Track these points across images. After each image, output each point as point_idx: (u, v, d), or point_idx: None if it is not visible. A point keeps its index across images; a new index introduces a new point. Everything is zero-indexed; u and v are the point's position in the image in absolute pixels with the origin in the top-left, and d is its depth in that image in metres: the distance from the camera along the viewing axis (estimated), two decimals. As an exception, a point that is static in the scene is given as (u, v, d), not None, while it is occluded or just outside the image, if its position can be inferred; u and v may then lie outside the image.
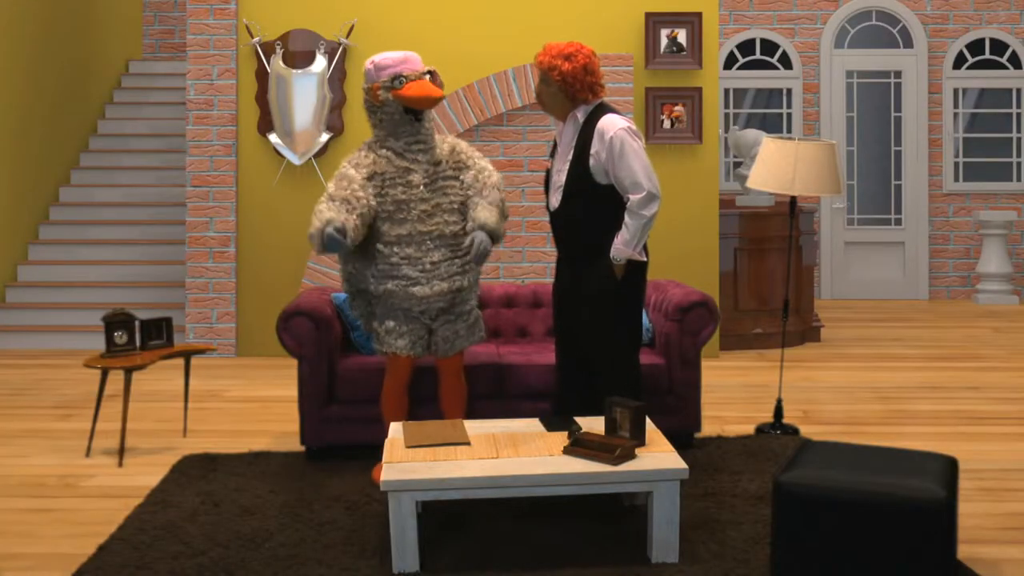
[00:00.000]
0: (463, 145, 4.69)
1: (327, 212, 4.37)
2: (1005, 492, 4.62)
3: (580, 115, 4.42)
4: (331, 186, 4.50)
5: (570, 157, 4.41)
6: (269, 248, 8.05)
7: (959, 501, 4.49)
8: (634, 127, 4.37)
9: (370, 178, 4.50)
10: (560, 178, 4.44)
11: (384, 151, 4.55)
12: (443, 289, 4.54)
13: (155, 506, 4.35)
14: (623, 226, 4.34)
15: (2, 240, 8.79)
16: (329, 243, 4.35)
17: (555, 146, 4.58)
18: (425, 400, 5.04)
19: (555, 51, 4.37)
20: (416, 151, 4.55)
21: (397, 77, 4.45)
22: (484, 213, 4.52)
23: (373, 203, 4.50)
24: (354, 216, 4.41)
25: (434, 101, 4.43)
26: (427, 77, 4.51)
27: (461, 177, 4.63)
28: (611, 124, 4.33)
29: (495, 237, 4.54)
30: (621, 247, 4.34)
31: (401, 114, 4.50)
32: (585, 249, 4.44)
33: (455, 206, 4.57)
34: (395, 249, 4.51)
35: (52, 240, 9.23)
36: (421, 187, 4.52)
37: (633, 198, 4.30)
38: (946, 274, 11.38)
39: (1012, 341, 8.55)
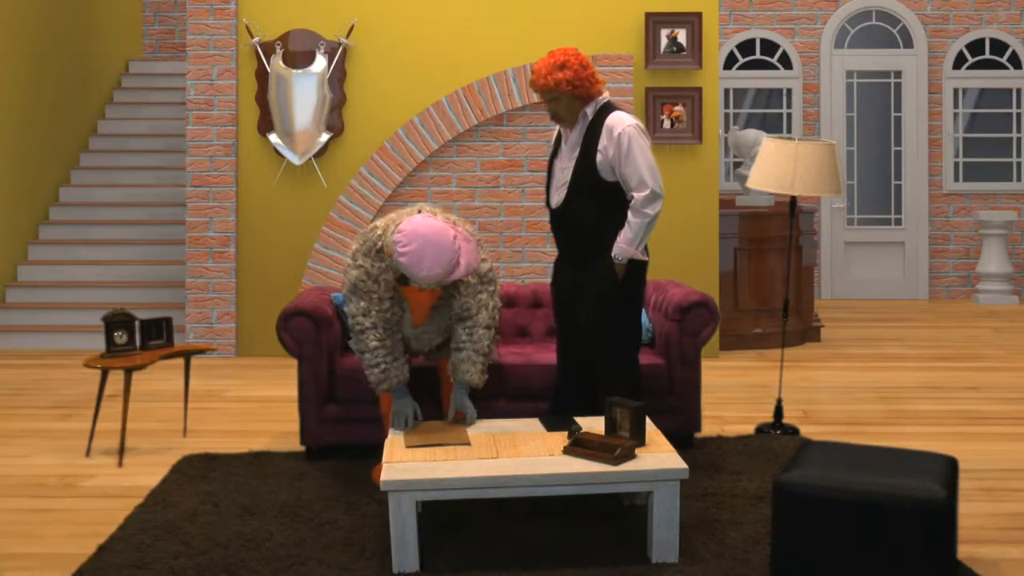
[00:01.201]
0: (472, 275, 4.38)
1: (395, 377, 4.39)
2: (1005, 492, 4.62)
3: (589, 112, 4.42)
4: (362, 304, 4.32)
5: (576, 154, 4.41)
6: (269, 248, 8.05)
7: (959, 501, 4.49)
8: (642, 125, 4.39)
9: (386, 290, 4.38)
10: (565, 175, 4.44)
11: (393, 278, 4.34)
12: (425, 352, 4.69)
13: (155, 506, 4.35)
14: (626, 224, 4.35)
15: (2, 240, 8.79)
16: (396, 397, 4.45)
17: (556, 144, 4.58)
18: (425, 400, 5.04)
19: (547, 68, 4.36)
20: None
21: (403, 277, 4.23)
22: (471, 371, 4.39)
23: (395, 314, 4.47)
24: (404, 359, 4.45)
25: (415, 323, 4.29)
26: (438, 289, 4.22)
27: (453, 303, 4.43)
28: (620, 121, 4.34)
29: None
30: (624, 246, 4.35)
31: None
32: (586, 248, 4.44)
33: (443, 329, 4.53)
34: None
35: (52, 240, 9.23)
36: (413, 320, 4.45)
37: (637, 196, 4.32)
38: (946, 274, 11.38)
39: (1012, 341, 8.55)
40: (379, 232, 4.33)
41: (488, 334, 4.40)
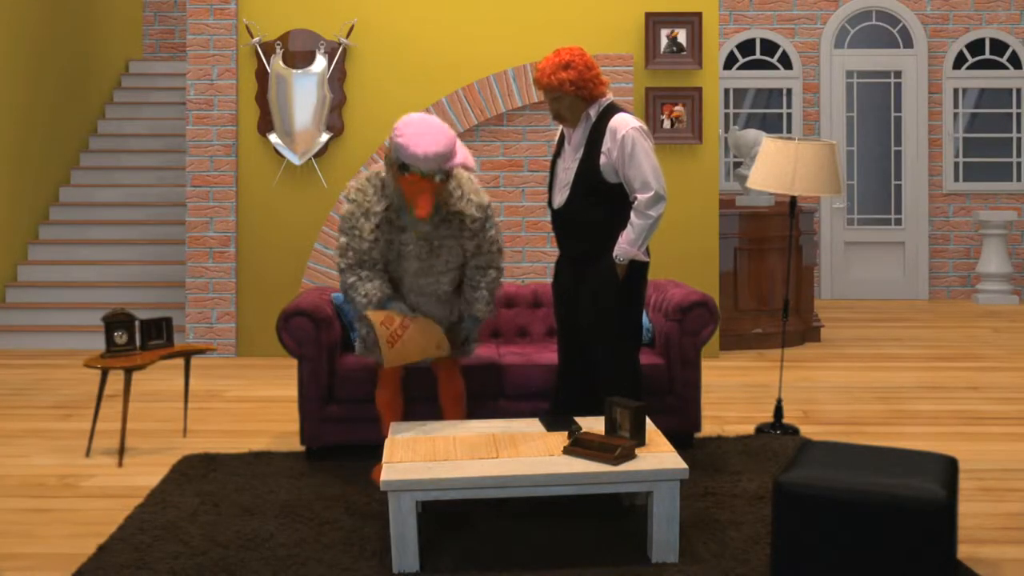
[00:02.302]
0: (475, 208, 4.44)
1: (375, 292, 4.41)
2: (1005, 492, 4.62)
3: (592, 113, 4.42)
4: (343, 240, 4.38)
5: (579, 155, 4.41)
6: (269, 248, 8.05)
7: (959, 501, 4.49)
8: (645, 127, 4.38)
9: (378, 226, 4.39)
10: (567, 176, 4.44)
11: (395, 196, 4.38)
12: (429, 309, 4.62)
13: (155, 506, 4.35)
14: (628, 225, 4.35)
15: (2, 240, 8.79)
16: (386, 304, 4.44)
17: (559, 144, 4.58)
18: (424, 400, 5.04)
19: (552, 67, 4.36)
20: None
21: (403, 166, 4.22)
22: (482, 308, 4.57)
23: (381, 255, 4.46)
24: (381, 279, 4.47)
25: (416, 213, 4.26)
26: (439, 179, 4.23)
27: (463, 242, 4.47)
28: (623, 123, 4.34)
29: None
30: (626, 246, 4.35)
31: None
32: (588, 248, 4.44)
33: (451, 267, 4.50)
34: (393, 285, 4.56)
35: (52, 240, 9.23)
36: (420, 246, 4.44)
37: (641, 198, 4.32)
38: (946, 274, 11.38)
39: (1012, 341, 8.55)
40: (377, 170, 4.45)
41: (500, 275, 4.58)
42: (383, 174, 4.42)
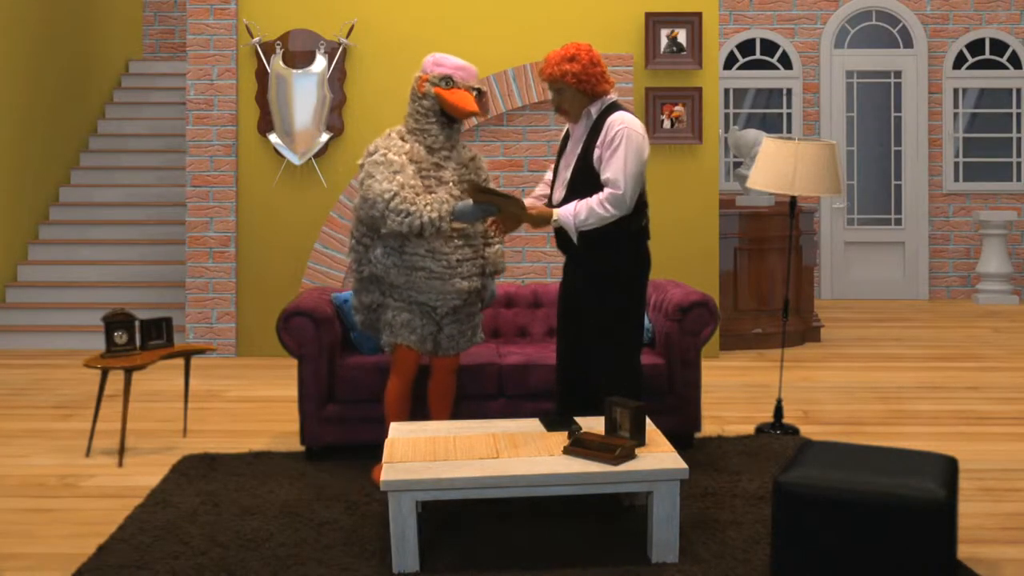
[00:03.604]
0: (481, 158, 4.81)
1: (432, 201, 4.47)
2: (1005, 492, 4.62)
3: (594, 111, 4.42)
4: (380, 173, 4.44)
5: (578, 152, 4.41)
6: (269, 248, 8.05)
7: (959, 501, 4.49)
8: (644, 134, 4.34)
9: (411, 161, 4.55)
10: (566, 173, 4.44)
11: (416, 143, 4.59)
12: (463, 288, 4.59)
13: (155, 506, 4.35)
14: (584, 202, 4.30)
15: (2, 240, 8.79)
16: (462, 215, 4.47)
17: (564, 142, 4.58)
18: (424, 400, 5.03)
19: (557, 59, 4.37)
20: (446, 149, 4.61)
21: (447, 79, 4.56)
22: (500, 258, 4.85)
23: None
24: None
25: (467, 114, 4.54)
26: (474, 93, 4.62)
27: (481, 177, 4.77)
28: (621, 120, 4.31)
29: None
30: (570, 218, 4.30)
31: (437, 113, 4.58)
32: (585, 246, 4.43)
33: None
34: (423, 241, 4.53)
35: (52, 240, 9.23)
36: (451, 184, 4.56)
37: (608, 191, 4.27)
38: (946, 274, 11.38)
39: (1012, 341, 8.55)
40: (389, 131, 4.67)
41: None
42: (398, 128, 4.64)
